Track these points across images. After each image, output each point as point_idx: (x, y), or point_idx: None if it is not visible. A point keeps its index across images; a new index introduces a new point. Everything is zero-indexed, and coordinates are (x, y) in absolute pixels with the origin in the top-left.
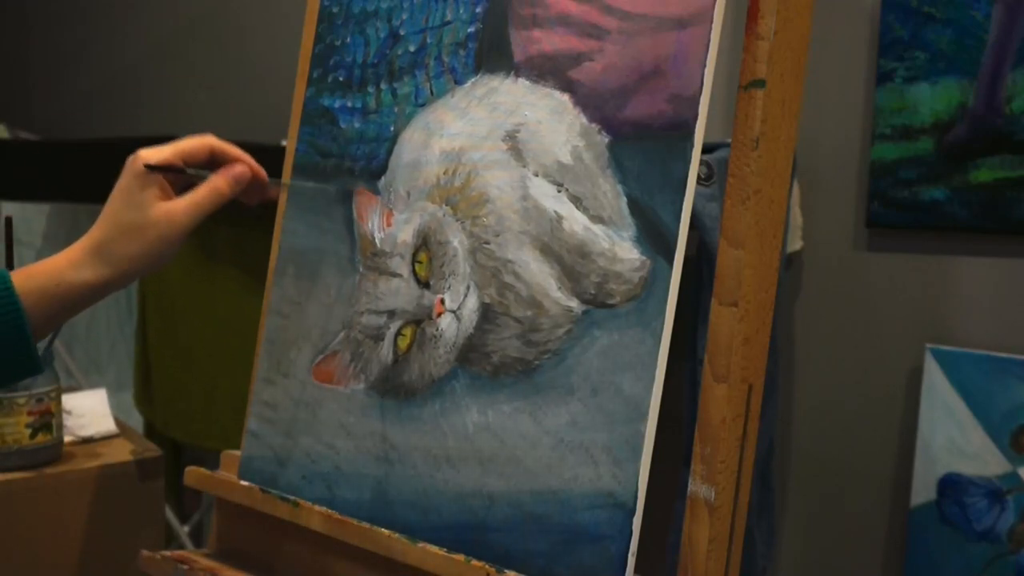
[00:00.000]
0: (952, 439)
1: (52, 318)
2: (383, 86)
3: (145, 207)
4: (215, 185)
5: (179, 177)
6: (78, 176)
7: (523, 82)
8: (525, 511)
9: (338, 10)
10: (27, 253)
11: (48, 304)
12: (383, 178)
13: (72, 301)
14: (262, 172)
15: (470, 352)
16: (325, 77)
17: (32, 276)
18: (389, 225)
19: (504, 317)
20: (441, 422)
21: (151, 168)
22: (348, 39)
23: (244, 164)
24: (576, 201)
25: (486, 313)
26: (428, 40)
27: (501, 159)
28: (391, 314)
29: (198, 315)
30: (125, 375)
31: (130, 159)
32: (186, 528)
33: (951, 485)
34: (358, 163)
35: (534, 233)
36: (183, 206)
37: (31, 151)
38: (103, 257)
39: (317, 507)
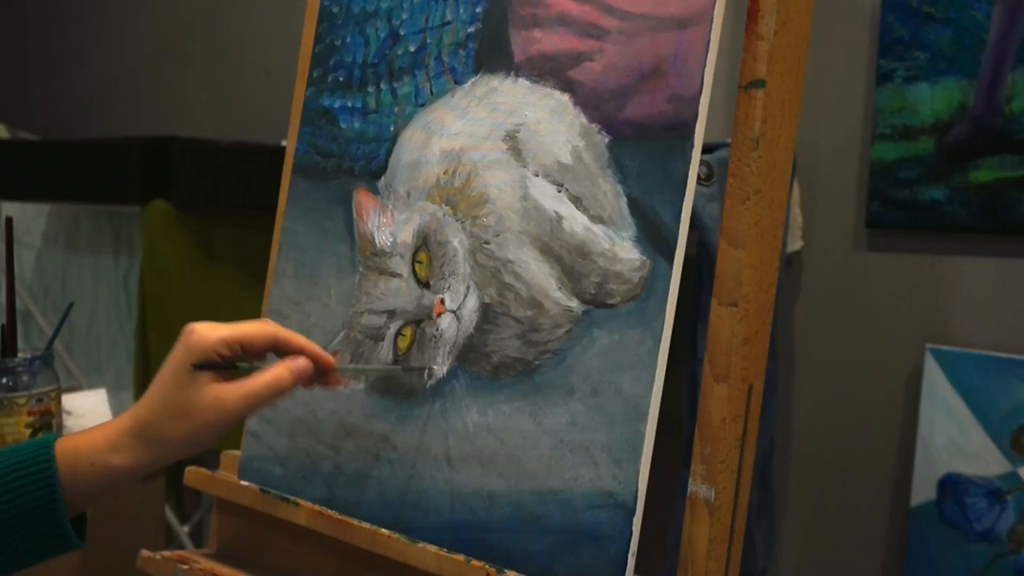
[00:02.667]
0: (952, 439)
1: (87, 497)
2: (383, 86)
3: (195, 389)
4: (277, 376)
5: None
6: (78, 176)
7: (523, 82)
8: (525, 511)
9: (338, 10)
10: (27, 253)
11: (82, 484)
12: (383, 178)
13: (108, 482)
14: (327, 360)
15: (470, 352)
16: (325, 77)
17: (72, 452)
18: (389, 225)
19: (504, 317)
20: (441, 422)
21: (198, 367)
22: (348, 39)
23: (307, 357)
24: (576, 201)
25: (486, 313)
26: (428, 40)
27: (501, 159)
28: (391, 314)
29: (198, 315)
30: (125, 375)
31: (186, 330)
32: (186, 528)
33: (951, 485)
34: (358, 163)
35: (534, 233)
36: (236, 394)
37: (31, 151)
38: (144, 438)
39: (317, 507)
